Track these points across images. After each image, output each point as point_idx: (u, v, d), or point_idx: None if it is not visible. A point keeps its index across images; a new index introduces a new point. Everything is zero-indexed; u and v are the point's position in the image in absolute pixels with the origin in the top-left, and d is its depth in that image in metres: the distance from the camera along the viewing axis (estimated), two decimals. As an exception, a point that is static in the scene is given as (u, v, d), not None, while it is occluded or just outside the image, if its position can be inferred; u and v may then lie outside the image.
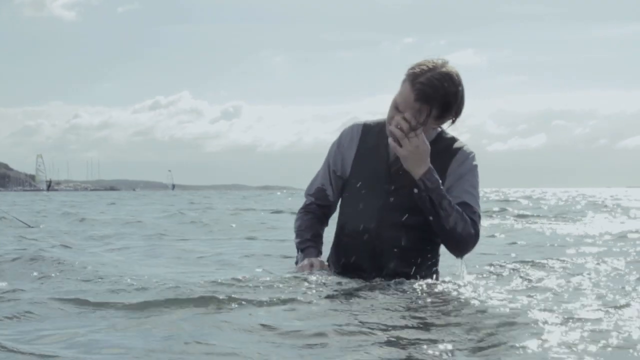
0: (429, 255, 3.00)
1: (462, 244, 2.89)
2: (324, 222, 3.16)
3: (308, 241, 3.08)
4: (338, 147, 3.07)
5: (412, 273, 2.97)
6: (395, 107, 2.83)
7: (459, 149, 2.95)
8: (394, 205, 2.92)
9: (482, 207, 3.04)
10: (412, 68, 2.81)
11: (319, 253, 3.08)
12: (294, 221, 3.19)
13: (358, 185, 2.99)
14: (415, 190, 2.83)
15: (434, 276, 3.04)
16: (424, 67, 2.79)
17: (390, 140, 2.81)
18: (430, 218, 2.84)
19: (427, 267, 3.01)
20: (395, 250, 2.93)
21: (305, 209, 3.16)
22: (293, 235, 3.16)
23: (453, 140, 2.97)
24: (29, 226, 8.41)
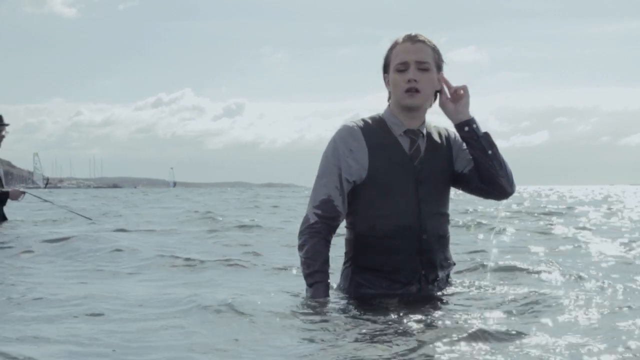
0: (449, 238, 3.08)
1: (512, 180, 3.01)
2: (330, 240, 2.97)
3: (316, 274, 2.88)
4: (344, 152, 2.91)
5: (448, 260, 3.06)
6: (399, 70, 2.92)
7: (447, 129, 3.10)
8: (427, 197, 2.95)
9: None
10: (395, 39, 2.98)
11: (327, 288, 2.90)
12: (298, 242, 2.95)
13: (383, 184, 2.91)
14: (472, 126, 2.95)
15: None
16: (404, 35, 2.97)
17: (446, 90, 2.98)
18: (489, 152, 2.95)
19: (450, 250, 3.11)
20: (438, 241, 2.99)
21: (311, 230, 2.93)
22: (299, 261, 2.96)
23: (436, 125, 3.10)
24: (91, 219, 8.80)
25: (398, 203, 2.91)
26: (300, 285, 3.04)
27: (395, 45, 2.96)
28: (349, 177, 2.91)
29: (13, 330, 2.42)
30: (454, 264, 3.14)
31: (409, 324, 2.43)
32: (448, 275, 3.06)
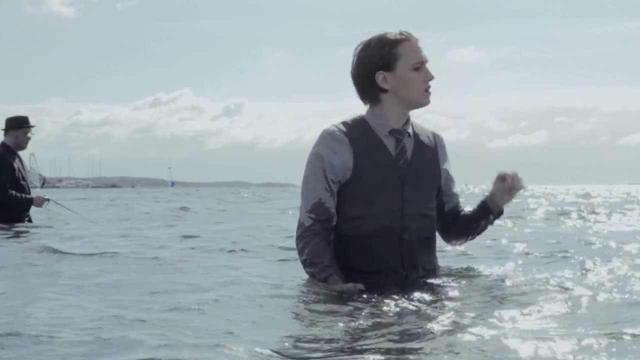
0: (435, 240, 3.10)
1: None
2: (329, 241, 2.93)
3: (327, 268, 2.84)
4: (327, 155, 2.90)
5: (433, 262, 3.07)
6: (416, 68, 2.89)
7: (434, 133, 3.10)
8: (411, 197, 2.93)
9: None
10: (394, 36, 2.91)
11: (341, 276, 2.84)
12: (298, 247, 2.94)
13: (367, 184, 2.89)
14: (492, 217, 3.12)
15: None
16: (397, 32, 2.92)
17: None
18: (487, 226, 3.17)
19: (435, 253, 3.12)
20: (421, 242, 2.98)
21: (310, 232, 2.90)
22: (302, 264, 2.93)
23: (422, 125, 3.08)
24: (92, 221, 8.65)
25: (382, 203, 2.90)
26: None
27: (397, 42, 2.88)
28: (334, 177, 2.90)
29: None
30: (440, 267, 3.12)
31: (388, 324, 2.35)
32: (432, 278, 2.99)
